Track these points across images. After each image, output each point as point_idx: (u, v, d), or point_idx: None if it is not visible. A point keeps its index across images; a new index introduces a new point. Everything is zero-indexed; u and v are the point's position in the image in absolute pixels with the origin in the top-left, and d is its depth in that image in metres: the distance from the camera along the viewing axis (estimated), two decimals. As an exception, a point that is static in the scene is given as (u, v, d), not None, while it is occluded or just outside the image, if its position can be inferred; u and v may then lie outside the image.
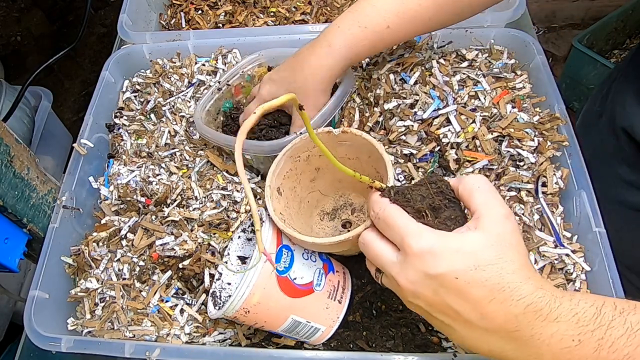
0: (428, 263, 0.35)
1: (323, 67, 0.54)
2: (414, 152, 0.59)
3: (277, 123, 0.63)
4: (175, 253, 0.57)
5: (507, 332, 0.33)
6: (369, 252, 0.40)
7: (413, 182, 0.42)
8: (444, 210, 0.39)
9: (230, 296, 0.52)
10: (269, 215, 0.49)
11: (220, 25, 0.84)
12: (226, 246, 0.57)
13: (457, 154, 0.58)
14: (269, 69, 0.67)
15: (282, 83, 0.57)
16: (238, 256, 0.55)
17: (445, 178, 0.41)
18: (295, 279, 0.47)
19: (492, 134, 0.58)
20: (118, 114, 0.72)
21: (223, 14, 0.84)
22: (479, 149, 0.58)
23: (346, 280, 0.52)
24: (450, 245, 0.35)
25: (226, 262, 0.55)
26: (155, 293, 0.57)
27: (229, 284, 0.54)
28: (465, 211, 0.40)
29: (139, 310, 0.56)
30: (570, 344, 0.32)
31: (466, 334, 0.35)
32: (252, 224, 0.55)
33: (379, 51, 0.62)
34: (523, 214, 0.54)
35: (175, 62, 0.75)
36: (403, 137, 0.60)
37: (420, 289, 0.35)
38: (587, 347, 0.32)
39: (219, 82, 0.64)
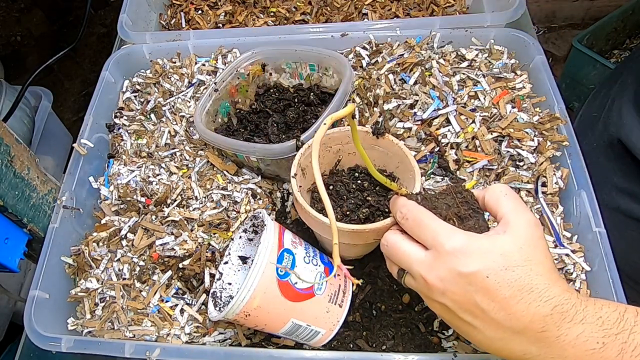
0: (460, 261, 0.35)
1: None
2: (414, 153, 0.59)
3: (286, 126, 0.63)
4: (175, 253, 0.57)
5: (533, 332, 0.34)
6: (395, 252, 0.41)
7: (437, 191, 0.43)
8: (469, 219, 0.40)
9: (231, 296, 0.53)
10: (271, 217, 0.49)
11: (220, 25, 0.84)
12: (227, 246, 0.57)
13: (456, 154, 0.59)
14: (263, 66, 0.67)
15: None
16: (239, 256, 0.55)
17: (470, 189, 0.42)
18: (296, 283, 0.46)
19: (491, 134, 0.58)
20: (118, 114, 0.72)
21: (223, 14, 0.85)
22: (479, 149, 0.58)
23: (347, 283, 0.52)
24: (481, 246, 0.36)
25: (226, 262, 0.55)
26: (155, 293, 0.57)
27: (230, 284, 0.54)
28: (488, 221, 0.42)
29: (139, 310, 0.57)
30: (595, 347, 0.33)
31: (490, 334, 0.36)
32: (253, 224, 0.55)
33: None
34: (523, 214, 0.54)
35: (175, 62, 0.75)
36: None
37: (449, 286, 0.36)
38: (611, 350, 0.32)
39: (215, 83, 0.64)
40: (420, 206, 0.40)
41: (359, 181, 0.54)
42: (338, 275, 0.51)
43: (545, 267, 0.35)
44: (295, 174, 0.49)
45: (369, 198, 0.50)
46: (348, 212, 0.50)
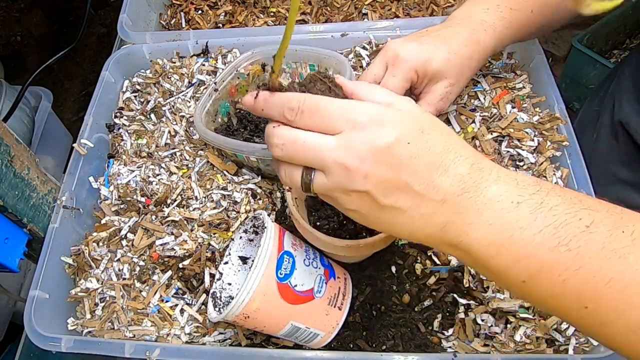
0: (378, 132, 0.32)
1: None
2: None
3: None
4: (175, 253, 0.57)
5: (453, 197, 0.33)
6: (298, 148, 0.34)
7: (304, 79, 0.38)
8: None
9: (230, 297, 0.53)
10: (271, 220, 0.49)
11: (220, 25, 0.84)
12: (227, 246, 0.57)
13: (457, 154, 0.59)
14: (263, 66, 0.67)
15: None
16: (239, 256, 0.55)
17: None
18: (295, 285, 0.46)
19: (491, 134, 0.58)
20: (118, 114, 0.72)
21: (223, 14, 0.85)
22: (479, 149, 0.58)
23: (347, 286, 0.52)
24: (393, 114, 0.33)
25: (226, 262, 0.55)
26: (155, 293, 0.57)
27: (230, 284, 0.54)
28: None
29: (139, 310, 0.57)
30: (509, 205, 0.32)
31: (413, 212, 0.34)
32: (254, 225, 0.55)
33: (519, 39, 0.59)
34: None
35: (175, 62, 0.75)
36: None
37: (372, 166, 0.32)
38: (525, 208, 0.32)
39: (215, 83, 0.64)
40: (310, 94, 0.35)
41: None
42: (338, 277, 0.51)
43: (451, 131, 0.35)
44: (290, 187, 0.49)
45: None
46: (345, 222, 0.50)
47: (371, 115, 0.33)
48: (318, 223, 0.53)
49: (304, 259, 0.48)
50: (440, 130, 0.34)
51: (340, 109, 0.33)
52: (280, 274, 0.46)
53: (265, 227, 0.48)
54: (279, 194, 0.63)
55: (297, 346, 0.53)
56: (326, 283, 0.49)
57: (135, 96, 0.74)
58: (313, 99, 0.34)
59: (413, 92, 0.54)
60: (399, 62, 0.49)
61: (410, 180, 0.33)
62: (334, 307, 0.49)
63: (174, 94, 0.72)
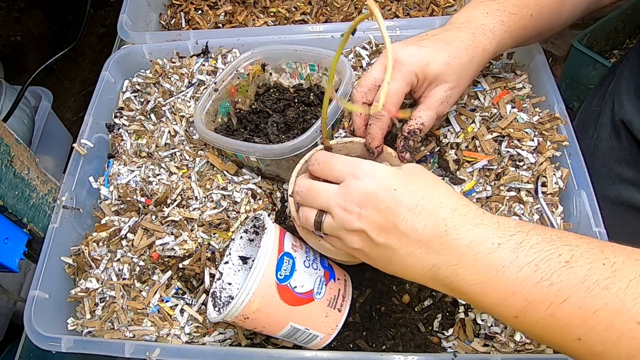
0: (370, 182, 0.39)
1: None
2: (414, 153, 0.59)
3: (286, 126, 0.63)
4: (175, 253, 0.57)
5: (437, 238, 0.36)
6: (311, 193, 0.43)
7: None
8: None
9: (230, 296, 0.53)
10: (271, 221, 0.49)
11: (220, 25, 0.84)
12: (227, 246, 0.57)
13: (456, 155, 0.58)
14: (263, 66, 0.67)
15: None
16: (239, 256, 0.55)
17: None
18: (295, 287, 0.46)
19: (491, 134, 0.58)
20: (118, 114, 0.72)
21: (223, 14, 0.85)
22: (479, 149, 0.58)
23: (347, 288, 0.52)
24: (385, 169, 0.40)
25: (227, 262, 0.55)
26: (155, 293, 0.57)
27: (230, 284, 0.54)
28: None
29: (139, 310, 0.57)
30: (491, 247, 0.34)
31: (403, 250, 0.38)
32: (254, 225, 0.55)
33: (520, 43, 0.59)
34: (523, 214, 0.54)
35: (175, 62, 0.75)
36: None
37: (364, 208, 0.39)
38: (505, 249, 0.34)
39: (215, 83, 0.64)
40: (329, 152, 0.45)
41: None
42: (338, 279, 0.51)
43: (443, 184, 0.40)
44: (293, 192, 0.49)
45: None
46: None
47: (367, 169, 0.40)
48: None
49: (304, 261, 0.48)
50: (427, 181, 0.39)
51: (346, 164, 0.42)
52: (280, 275, 0.46)
53: (266, 228, 0.48)
54: (279, 194, 0.63)
55: (297, 346, 0.53)
56: (326, 285, 0.49)
57: (135, 96, 0.74)
58: (327, 156, 0.44)
59: (413, 95, 0.54)
60: (399, 65, 0.50)
61: (397, 221, 0.37)
62: (334, 308, 0.49)
63: (174, 94, 0.72)
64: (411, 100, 0.57)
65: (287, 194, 0.50)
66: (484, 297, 0.35)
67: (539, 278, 0.32)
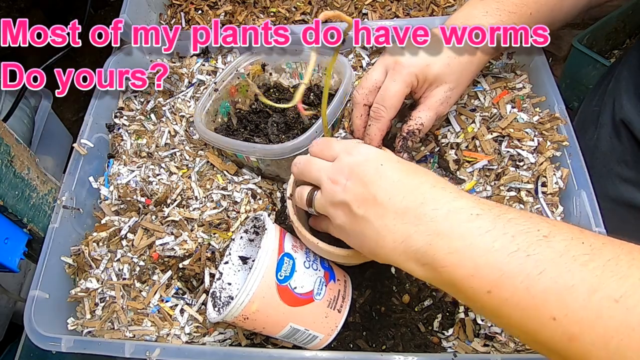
0: (358, 156, 0.40)
1: None
2: (414, 153, 0.59)
3: (286, 126, 0.63)
4: (175, 253, 0.57)
5: (414, 209, 0.36)
6: (307, 166, 0.45)
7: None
8: None
9: (230, 297, 0.52)
10: (271, 221, 0.49)
11: (220, 25, 0.84)
12: (227, 246, 0.57)
13: (456, 155, 0.58)
14: (263, 66, 0.67)
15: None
16: (239, 256, 0.55)
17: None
18: (295, 288, 0.46)
19: (491, 134, 0.58)
20: (118, 114, 0.72)
21: (223, 14, 0.84)
22: (479, 149, 0.58)
23: (347, 288, 0.52)
24: (375, 149, 0.42)
25: (227, 262, 0.55)
26: (155, 293, 0.57)
27: (230, 284, 0.54)
28: None
29: (139, 310, 0.57)
30: (469, 217, 0.34)
31: (378, 222, 0.38)
32: (254, 226, 0.55)
33: None
34: (523, 214, 0.54)
35: (175, 62, 0.75)
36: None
37: (349, 180, 0.40)
38: (484, 219, 0.34)
39: (215, 83, 0.64)
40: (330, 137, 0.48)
41: None
42: (338, 280, 0.51)
43: (429, 171, 0.40)
44: (292, 195, 0.49)
45: None
46: None
47: (361, 148, 0.42)
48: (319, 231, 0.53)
49: (304, 261, 0.48)
50: (415, 166, 0.40)
51: (339, 143, 0.44)
52: (280, 276, 0.46)
53: (266, 229, 0.48)
54: (279, 194, 0.63)
55: (297, 346, 0.53)
56: (326, 285, 0.49)
57: (135, 96, 0.74)
58: (329, 139, 0.46)
59: (413, 96, 0.54)
60: (399, 67, 0.50)
61: (377, 193, 0.38)
62: (334, 309, 0.49)
63: (174, 94, 0.72)
64: (411, 101, 0.57)
65: (286, 194, 0.50)
66: (456, 269, 0.33)
67: (515, 248, 0.31)
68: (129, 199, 0.62)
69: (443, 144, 0.59)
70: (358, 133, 0.55)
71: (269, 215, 0.60)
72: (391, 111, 0.51)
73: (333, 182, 0.41)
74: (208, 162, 0.64)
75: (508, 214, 0.34)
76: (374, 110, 0.51)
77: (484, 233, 0.33)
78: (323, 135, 0.50)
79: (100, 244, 0.61)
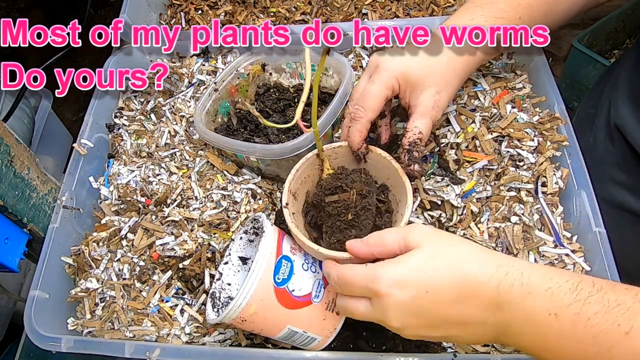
0: (399, 295, 0.37)
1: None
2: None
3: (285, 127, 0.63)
4: (175, 253, 0.57)
5: (492, 318, 0.35)
6: (347, 311, 0.42)
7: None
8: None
9: (229, 297, 0.52)
10: (271, 222, 0.49)
11: (220, 25, 0.84)
12: (227, 246, 0.57)
13: (456, 155, 0.58)
14: (263, 66, 0.67)
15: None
16: (239, 257, 0.55)
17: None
18: (293, 290, 0.46)
19: (491, 134, 0.58)
20: (118, 114, 0.72)
21: (223, 14, 0.84)
22: (479, 149, 0.58)
23: None
24: (405, 268, 0.38)
25: (226, 263, 0.55)
26: (155, 293, 0.57)
27: (229, 284, 0.54)
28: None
29: (139, 310, 0.57)
30: (547, 318, 0.33)
31: (464, 334, 0.37)
32: (254, 227, 0.55)
33: None
34: (523, 214, 0.54)
35: (175, 62, 0.75)
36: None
37: (407, 319, 0.37)
38: (563, 320, 0.33)
39: (215, 83, 0.64)
40: (337, 265, 0.43)
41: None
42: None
43: (469, 249, 0.37)
44: (287, 203, 0.49)
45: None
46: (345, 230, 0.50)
47: (390, 280, 0.37)
48: (316, 236, 0.53)
49: (303, 264, 0.48)
50: (452, 256, 0.37)
51: (364, 280, 0.39)
52: (278, 278, 0.46)
53: (264, 231, 0.47)
54: (278, 194, 0.63)
55: (296, 347, 0.53)
56: (324, 288, 0.49)
57: (135, 96, 0.74)
58: (342, 270, 0.41)
59: (401, 102, 0.54)
60: (380, 70, 0.51)
61: (445, 315, 0.37)
62: (332, 311, 0.49)
63: (174, 94, 0.72)
64: (398, 101, 0.57)
65: (282, 203, 0.50)
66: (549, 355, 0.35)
67: (597, 350, 0.32)
68: (129, 199, 0.62)
69: (443, 144, 0.59)
70: (344, 137, 0.55)
71: (268, 216, 0.60)
72: (370, 112, 0.50)
73: (388, 324, 0.39)
74: (208, 162, 0.64)
75: (587, 310, 0.33)
76: (354, 112, 0.51)
77: (567, 336, 0.33)
78: (314, 132, 0.50)
79: (100, 244, 0.61)
